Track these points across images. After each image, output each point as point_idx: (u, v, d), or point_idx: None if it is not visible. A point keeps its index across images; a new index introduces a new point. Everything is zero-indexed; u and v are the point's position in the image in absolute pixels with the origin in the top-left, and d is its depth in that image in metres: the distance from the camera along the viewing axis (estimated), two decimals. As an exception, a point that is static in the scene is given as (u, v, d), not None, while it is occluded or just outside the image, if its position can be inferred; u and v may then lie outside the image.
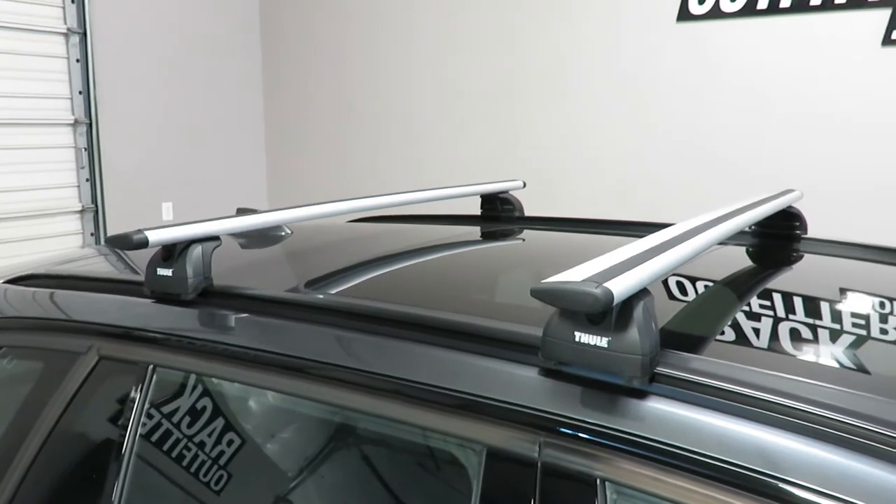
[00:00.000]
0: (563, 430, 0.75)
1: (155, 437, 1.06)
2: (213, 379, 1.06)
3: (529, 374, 0.80)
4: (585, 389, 0.76)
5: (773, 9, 3.70)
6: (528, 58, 4.52)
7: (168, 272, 1.12)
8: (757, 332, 1.01)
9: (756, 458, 0.66)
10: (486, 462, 0.77)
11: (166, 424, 1.06)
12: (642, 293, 0.76)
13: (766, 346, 0.96)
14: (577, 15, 4.29)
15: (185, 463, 1.05)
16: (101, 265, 1.58)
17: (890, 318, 1.10)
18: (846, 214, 3.43)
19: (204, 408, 1.07)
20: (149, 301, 1.15)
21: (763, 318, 1.07)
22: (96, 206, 4.89)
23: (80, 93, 4.74)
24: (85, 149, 4.79)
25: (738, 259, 1.43)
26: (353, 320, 0.96)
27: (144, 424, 1.05)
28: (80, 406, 1.13)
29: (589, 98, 4.34)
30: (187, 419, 1.07)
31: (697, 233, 1.01)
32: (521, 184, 2.06)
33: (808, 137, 3.70)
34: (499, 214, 1.99)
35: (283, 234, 1.71)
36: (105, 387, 1.13)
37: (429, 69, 4.91)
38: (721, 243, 1.17)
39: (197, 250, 1.12)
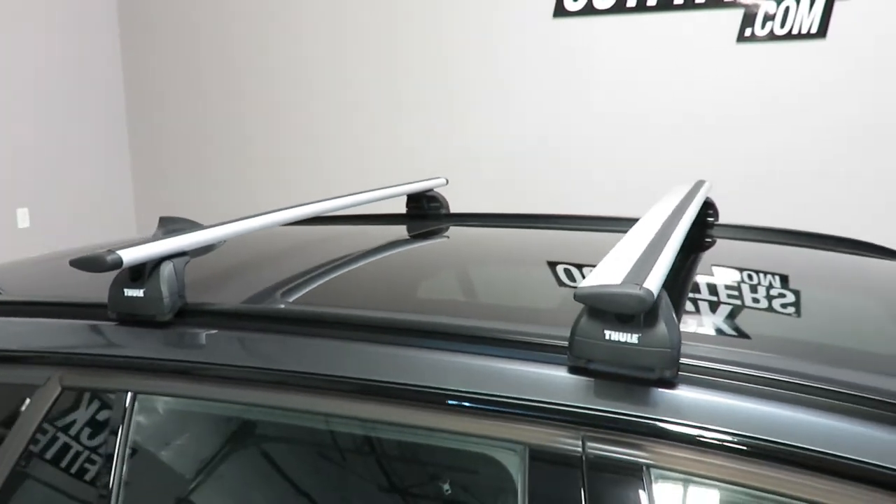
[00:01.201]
0: (603, 424, 0.79)
1: (145, 468, 1.00)
2: (205, 402, 1.02)
3: (560, 373, 0.84)
4: (619, 384, 0.81)
5: (642, 7, 3.95)
6: (407, 54, 4.53)
7: (138, 293, 1.05)
8: (733, 315, 1.11)
9: (777, 431, 0.74)
10: (530, 461, 0.80)
11: (156, 453, 1.01)
12: (661, 289, 0.82)
13: (747, 328, 1.06)
14: (455, 9, 4.35)
15: (183, 494, 1.00)
16: (30, 287, 1.45)
17: (837, 292, 1.24)
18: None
19: (198, 433, 1.03)
20: (117, 324, 1.08)
21: (730, 302, 1.17)
22: (-60, 215, 4.41)
23: (-85, 90, 4.25)
24: (-76, 152, 4.30)
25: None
26: (362, 331, 0.96)
27: (132, 455, 0.99)
28: (43, 441, 1.05)
29: (467, 94, 4.42)
30: (180, 446, 1.02)
31: (673, 227, 1.09)
32: (444, 181, 2.10)
33: (674, 129, 3.99)
34: (426, 212, 2.01)
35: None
36: (73, 419, 1.05)
37: (318, 66, 4.81)
38: None
39: (169, 268, 1.07)
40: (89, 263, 1.02)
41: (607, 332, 0.80)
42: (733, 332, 1.06)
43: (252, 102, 5.01)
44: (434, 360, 0.90)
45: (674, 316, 0.81)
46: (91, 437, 1.03)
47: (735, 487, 0.74)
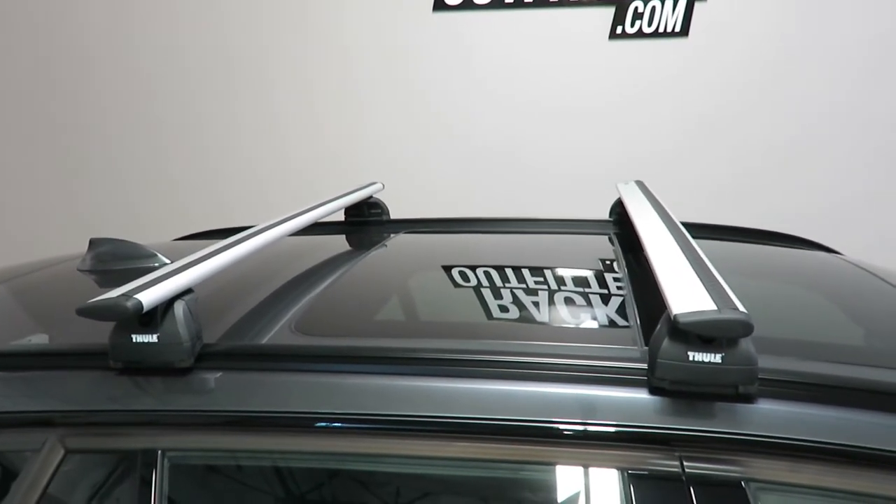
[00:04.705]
0: (699, 443, 0.82)
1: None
2: (253, 455, 0.93)
3: (643, 395, 0.86)
4: (706, 403, 0.84)
5: (519, 3, 4.05)
6: (274, 51, 4.33)
7: (151, 338, 0.95)
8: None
9: (864, 437, 0.81)
10: (631, 485, 0.82)
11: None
12: None
13: (785, 335, 1.12)
14: (341, 7, 4.22)
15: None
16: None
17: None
18: (582, 196, 3.92)
19: (246, 491, 0.94)
20: (122, 374, 0.97)
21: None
22: None
23: None
24: None
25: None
26: (430, 364, 0.92)
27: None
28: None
29: (346, 88, 4.32)
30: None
31: (684, 241, 1.14)
32: (381, 186, 2.05)
33: (547, 125, 4.13)
34: (367, 219, 1.97)
35: (157, 265, 1.51)
36: (85, 486, 0.93)
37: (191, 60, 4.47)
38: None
39: (182, 307, 0.97)
40: (103, 312, 0.90)
41: (691, 354, 0.83)
42: (782, 341, 1.12)
43: (120, 100, 4.58)
44: (510, 392, 0.88)
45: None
46: (113, 504, 0.92)
47: (833, 494, 0.80)
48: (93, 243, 1.58)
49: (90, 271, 1.54)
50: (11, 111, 4.62)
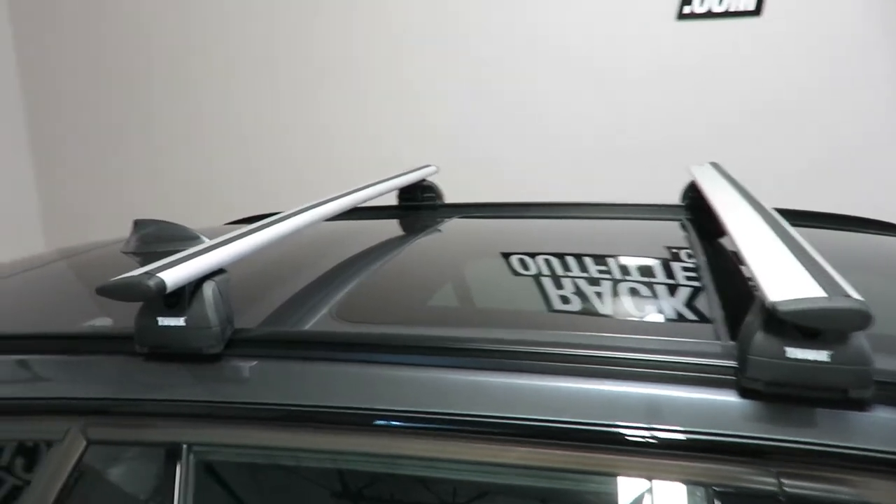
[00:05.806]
0: (798, 456, 0.69)
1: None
2: (281, 451, 0.85)
3: (733, 398, 0.73)
4: (809, 409, 0.71)
5: (583, -18, 3.89)
6: (319, 36, 4.26)
7: (178, 321, 0.87)
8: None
9: None
10: None
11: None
12: None
13: None
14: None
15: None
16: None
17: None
18: (652, 176, 3.73)
19: (275, 488, 0.86)
20: (148, 360, 0.89)
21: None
22: None
23: None
24: None
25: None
26: (488, 357, 0.81)
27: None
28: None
29: (395, 68, 4.24)
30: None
31: (778, 225, 1.00)
32: (435, 169, 1.96)
33: (618, 105, 3.97)
34: (420, 203, 1.87)
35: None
36: (108, 481, 0.86)
37: (243, 44, 4.46)
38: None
39: (212, 288, 0.89)
40: (125, 291, 0.83)
41: (788, 350, 0.70)
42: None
43: (177, 90, 4.60)
44: (576, 391, 0.77)
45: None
46: (137, 502, 0.84)
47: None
48: (137, 225, 1.53)
49: (133, 253, 1.49)
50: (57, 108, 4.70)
